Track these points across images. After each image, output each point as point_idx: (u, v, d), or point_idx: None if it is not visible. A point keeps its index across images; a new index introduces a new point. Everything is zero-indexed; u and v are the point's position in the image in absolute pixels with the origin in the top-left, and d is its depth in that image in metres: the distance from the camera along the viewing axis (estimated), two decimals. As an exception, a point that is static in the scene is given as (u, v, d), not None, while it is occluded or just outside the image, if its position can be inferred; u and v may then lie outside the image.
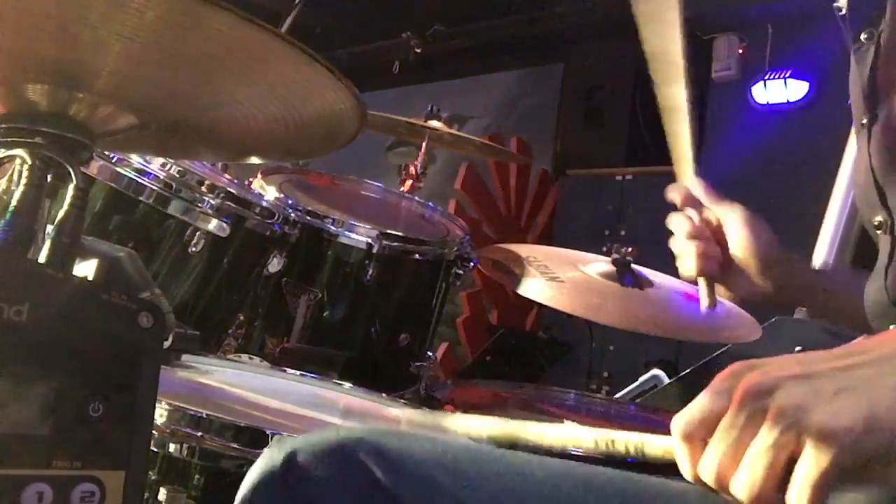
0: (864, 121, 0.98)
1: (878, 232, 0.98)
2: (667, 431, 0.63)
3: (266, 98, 0.81)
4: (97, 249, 0.85)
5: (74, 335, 0.64)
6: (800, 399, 0.56)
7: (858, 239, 2.34)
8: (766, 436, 0.56)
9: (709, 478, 0.58)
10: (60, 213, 0.76)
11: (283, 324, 1.89)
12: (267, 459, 0.77)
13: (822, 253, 2.37)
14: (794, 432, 0.55)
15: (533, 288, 1.74)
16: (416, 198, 2.25)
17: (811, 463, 0.54)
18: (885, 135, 0.95)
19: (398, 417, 0.88)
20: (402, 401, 1.40)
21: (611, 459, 0.70)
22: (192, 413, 0.95)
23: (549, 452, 0.77)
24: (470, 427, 0.78)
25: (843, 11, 1.01)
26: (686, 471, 0.60)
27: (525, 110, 5.62)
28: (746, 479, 0.56)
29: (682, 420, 0.60)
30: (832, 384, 0.56)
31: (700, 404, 0.59)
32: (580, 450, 0.72)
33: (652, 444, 0.64)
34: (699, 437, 0.59)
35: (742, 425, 0.57)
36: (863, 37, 0.98)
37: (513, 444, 0.77)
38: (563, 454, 0.79)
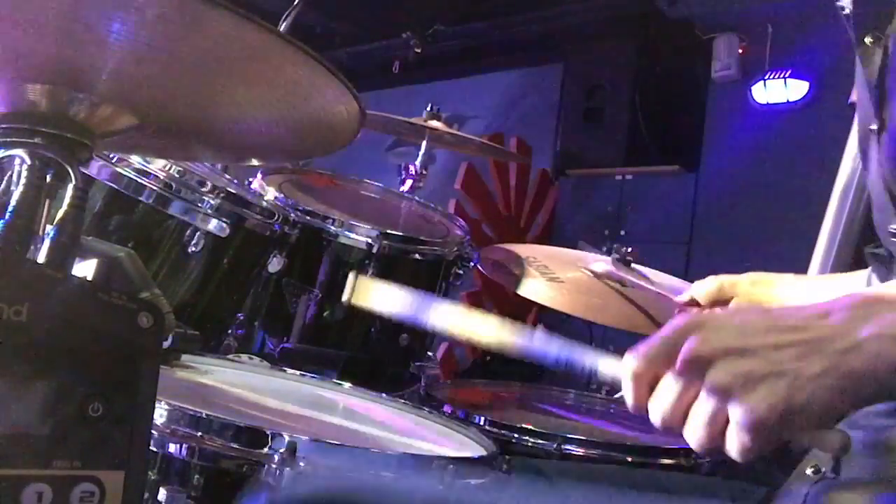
0: (874, 127, 0.97)
1: (894, 240, 0.97)
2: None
3: (266, 98, 0.81)
4: (97, 249, 0.85)
5: (74, 335, 0.64)
6: (729, 381, 0.64)
7: (857, 241, 2.34)
8: (702, 405, 0.66)
9: (656, 421, 0.69)
10: (60, 213, 0.76)
11: (283, 324, 1.89)
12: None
13: (822, 253, 2.37)
14: (722, 411, 0.65)
15: (533, 288, 1.74)
16: (416, 198, 2.25)
17: (733, 439, 0.65)
18: (895, 142, 0.94)
19: None
20: (402, 401, 1.40)
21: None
22: (192, 413, 0.95)
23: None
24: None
25: (847, 11, 1.00)
26: (629, 401, 0.71)
27: (525, 110, 5.62)
28: (690, 434, 0.67)
29: (634, 360, 0.70)
30: (761, 367, 0.64)
31: (651, 351, 0.70)
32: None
33: (604, 366, 0.75)
34: (645, 377, 0.70)
35: (680, 388, 0.67)
36: (867, 39, 0.97)
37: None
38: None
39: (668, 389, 0.68)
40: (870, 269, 1.23)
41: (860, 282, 1.26)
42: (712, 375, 0.65)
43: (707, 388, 0.66)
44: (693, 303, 1.50)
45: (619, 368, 0.72)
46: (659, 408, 0.69)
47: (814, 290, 1.40)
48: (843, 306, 0.67)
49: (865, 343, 0.64)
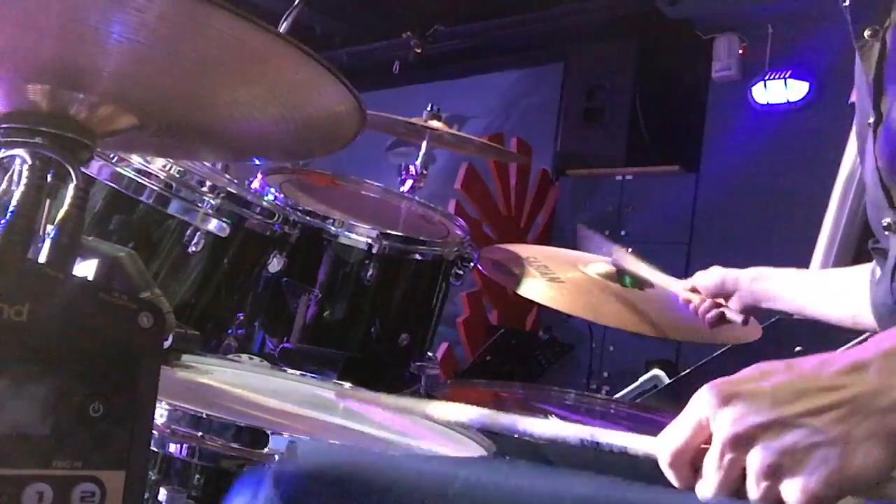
0: (870, 120, 0.97)
1: (887, 233, 0.97)
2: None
3: (266, 98, 0.81)
4: (97, 249, 0.85)
5: (74, 335, 0.64)
6: (775, 461, 0.61)
7: (859, 238, 2.34)
8: (754, 487, 0.63)
9: (709, 499, 0.66)
10: (60, 213, 0.76)
11: (283, 324, 1.89)
12: (250, 483, 0.75)
13: (822, 253, 2.37)
14: (774, 489, 0.62)
15: (533, 288, 1.74)
16: (416, 198, 2.25)
17: None
18: (890, 135, 0.94)
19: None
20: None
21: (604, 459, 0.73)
22: (192, 413, 0.95)
23: (536, 449, 0.79)
24: (453, 415, 0.79)
25: (846, 3, 0.99)
26: (675, 484, 0.67)
27: (525, 110, 5.62)
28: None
29: (667, 450, 0.67)
30: (805, 439, 0.61)
31: (680, 434, 0.66)
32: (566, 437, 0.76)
33: (635, 446, 0.70)
34: (684, 463, 0.66)
35: (726, 469, 0.64)
36: (867, 33, 0.96)
37: (499, 434, 0.80)
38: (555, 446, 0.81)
39: (714, 472, 0.64)
40: (874, 262, 1.23)
41: (862, 275, 1.26)
42: (756, 456, 0.62)
43: (754, 470, 0.62)
44: (693, 291, 1.51)
45: (654, 450, 0.69)
46: (708, 490, 0.65)
47: (814, 283, 1.40)
48: (878, 356, 0.63)
49: None
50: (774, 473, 0.61)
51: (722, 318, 1.46)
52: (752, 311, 1.45)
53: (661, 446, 0.68)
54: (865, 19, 0.96)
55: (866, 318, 1.22)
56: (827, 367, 0.64)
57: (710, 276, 1.48)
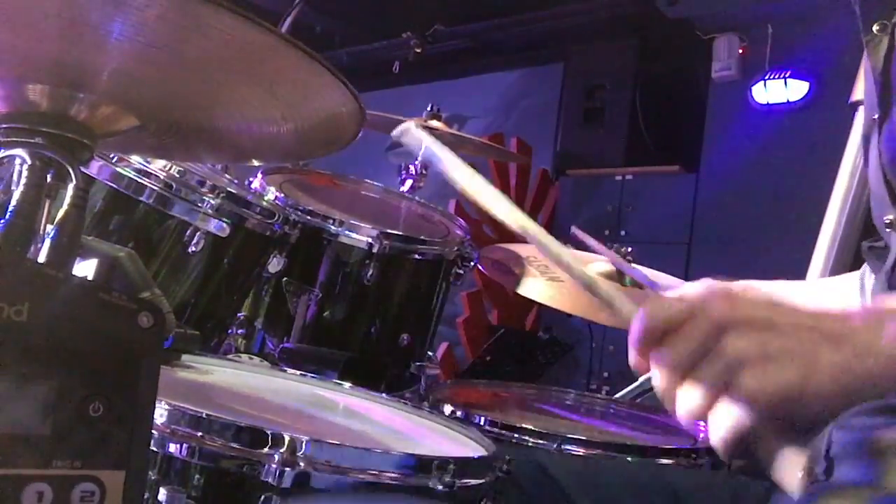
0: (876, 116, 0.96)
1: (889, 230, 0.97)
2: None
3: (266, 98, 0.81)
4: (97, 249, 0.85)
5: (74, 335, 0.64)
6: (742, 349, 0.63)
7: (859, 239, 2.34)
8: (704, 371, 0.64)
9: (654, 378, 0.67)
10: (60, 213, 0.76)
11: (283, 324, 1.89)
12: None
13: (822, 253, 2.37)
14: (723, 379, 0.63)
15: (533, 288, 1.74)
16: (416, 198, 2.25)
17: (727, 411, 0.63)
18: None
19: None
20: (402, 401, 1.40)
21: None
22: (192, 413, 0.95)
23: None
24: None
25: None
26: (633, 356, 0.68)
27: (525, 110, 5.62)
28: (683, 400, 0.65)
29: (647, 312, 0.67)
30: (780, 341, 0.63)
31: (670, 309, 0.67)
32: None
33: (620, 302, 0.72)
34: (655, 332, 0.67)
35: (696, 340, 0.65)
36: (875, 28, 0.95)
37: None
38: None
39: (681, 340, 0.65)
40: (863, 268, 1.23)
41: (852, 283, 1.26)
42: (732, 339, 0.64)
43: (722, 350, 0.64)
44: None
45: (633, 310, 0.70)
46: (666, 357, 0.66)
47: (804, 294, 1.40)
48: (864, 312, 0.68)
49: (881, 345, 0.64)
50: (738, 358, 0.63)
51: None
52: None
53: (643, 310, 0.68)
54: (874, 13, 0.96)
55: None
56: (821, 309, 0.68)
57: (697, 289, 1.48)
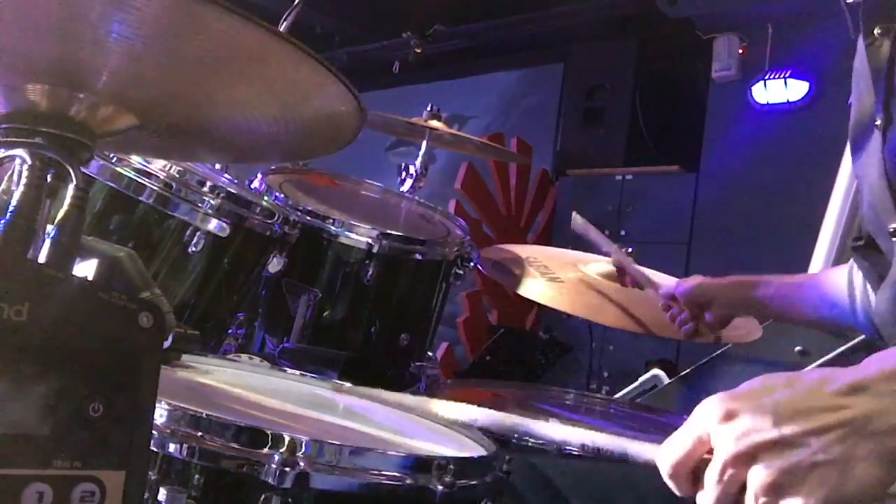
0: (877, 122, 0.94)
1: (894, 240, 0.95)
2: (667, 431, 0.67)
3: (266, 98, 0.81)
4: (97, 249, 0.85)
5: (74, 335, 0.64)
6: (775, 479, 0.62)
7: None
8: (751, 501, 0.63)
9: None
10: (60, 213, 0.76)
11: (283, 324, 1.89)
12: None
13: (822, 252, 2.37)
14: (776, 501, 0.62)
15: (533, 288, 1.74)
16: (416, 198, 2.25)
17: None
18: None
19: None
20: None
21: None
22: (192, 413, 0.95)
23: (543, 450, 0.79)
24: (459, 414, 0.80)
25: (852, 0, 0.97)
26: (679, 494, 0.69)
27: (525, 110, 5.63)
28: None
29: (669, 461, 0.68)
30: (806, 458, 0.62)
31: (681, 447, 0.68)
32: (573, 449, 0.76)
33: (636, 453, 0.73)
34: (685, 474, 0.68)
35: (726, 483, 0.65)
36: (876, 31, 0.94)
37: (505, 437, 0.81)
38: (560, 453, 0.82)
39: (714, 486, 0.65)
40: (850, 262, 1.22)
41: (840, 277, 1.25)
42: (757, 474, 0.63)
43: (754, 487, 0.63)
44: (672, 299, 1.52)
45: (656, 458, 0.71)
46: (708, 502, 0.66)
47: (792, 288, 1.40)
48: (880, 378, 0.64)
49: None
50: (775, 491, 0.62)
51: (696, 332, 1.51)
52: (728, 321, 1.47)
53: (663, 456, 0.69)
54: (875, 17, 0.94)
55: (846, 320, 1.22)
56: (828, 384, 0.65)
57: (689, 285, 1.49)
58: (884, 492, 0.62)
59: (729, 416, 0.65)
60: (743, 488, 0.64)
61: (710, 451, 0.67)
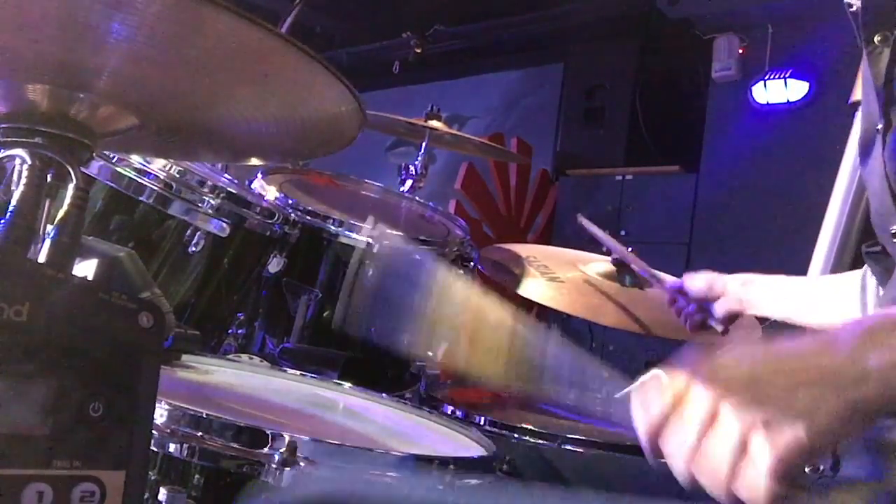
0: (879, 127, 0.95)
1: (895, 240, 0.96)
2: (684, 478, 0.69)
3: (266, 98, 0.81)
4: (97, 249, 0.85)
5: (74, 335, 0.64)
6: (742, 427, 0.65)
7: (859, 239, 2.34)
8: (714, 451, 0.66)
9: (672, 461, 0.69)
10: (60, 213, 0.76)
11: (283, 324, 1.89)
12: None
13: (822, 253, 2.37)
14: (733, 456, 0.65)
15: (533, 288, 1.74)
16: (416, 198, 2.25)
17: (753, 485, 0.64)
18: None
19: None
20: (402, 401, 1.40)
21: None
22: (192, 413, 0.95)
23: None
24: None
25: (855, 8, 0.98)
26: (649, 453, 0.71)
27: (525, 110, 5.63)
28: (703, 477, 0.67)
29: (647, 420, 0.70)
30: (778, 414, 0.64)
31: (660, 409, 0.70)
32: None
33: (619, 395, 0.78)
34: (660, 431, 0.69)
35: (696, 438, 0.67)
36: (876, 39, 0.95)
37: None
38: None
39: (684, 440, 0.68)
40: (865, 267, 1.23)
41: (853, 281, 1.25)
42: (728, 419, 0.66)
43: (726, 439, 0.66)
44: (681, 293, 1.52)
45: (633, 409, 0.73)
46: (673, 447, 0.69)
47: (803, 290, 1.40)
48: (850, 334, 0.67)
49: (875, 372, 0.64)
50: (745, 442, 0.65)
51: (704, 324, 1.49)
52: (736, 317, 1.47)
53: (638, 416, 0.71)
54: (875, 25, 0.95)
55: None
56: (803, 345, 0.69)
57: (698, 280, 1.49)
58: (847, 438, 0.66)
59: (707, 378, 0.68)
60: (717, 447, 0.66)
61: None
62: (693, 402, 0.68)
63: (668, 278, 1.64)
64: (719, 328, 1.47)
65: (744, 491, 0.65)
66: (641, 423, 0.71)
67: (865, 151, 1.02)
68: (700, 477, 0.67)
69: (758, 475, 0.64)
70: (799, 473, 0.65)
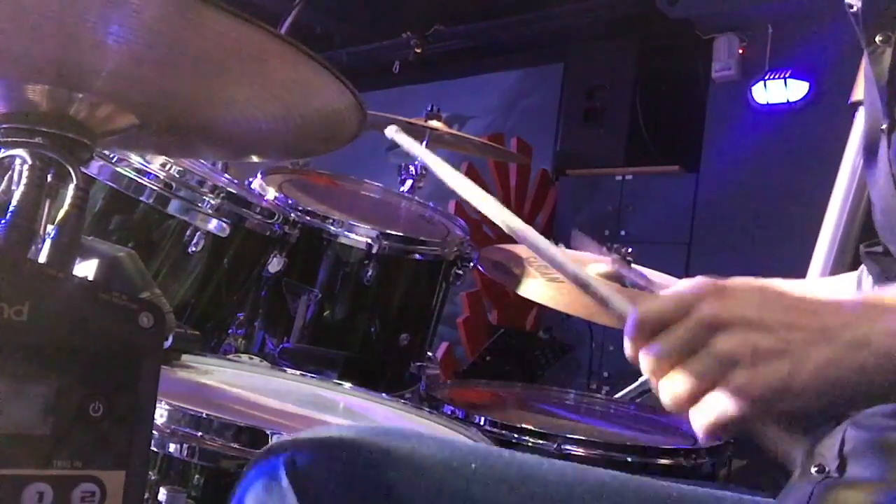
0: (884, 126, 0.95)
1: None
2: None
3: (266, 98, 0.81)
4: (97, 249, 0.85)
5: (74, 335, 0.64)
6: (735, 349, 0.64)
7: (859, 239, 2.34)
8: (693, 365, 0.65)
9: (644, 368, 0.68)
10: (60, 213, 0.76)
11: (283, 324, 1.89)
12: (264, 467, 0.77)
13: (822, 253, 2.37)
14: (716, 375, 0.64)
15: (533, 288, 1.74)
16: (416, 198, 2.25)
17: (713, 405, 0.64)
18: None
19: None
20: (402, 401, 1.40)
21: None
22: (192, 413, 0.95)
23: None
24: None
25: (856, 9, 0.98)
26: (628, 349, 0.70)
27: (525, 110, 5.62)
28: (669, 388, 0.67)
29: (641, 310, 0.69)
30: (770, 342, 0.64)
31: (660, 302, 0.69)
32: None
33: (614, 300, 0.74)
34: (648, 329, 0.69)
35: (685, 337, 0.66)
36: (878, 38, 0.96)
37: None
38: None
39: (670, 336, 0.67)
40: (861, 268, 1.23)
41: (849, 284, 1.25)
42: (722, 339, 0.65)
43: (712, 349, 0.65)
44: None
45: (627, 308, 0.71)
46: (654, 351, 0.68)
47: (801, 293, 1.40)
48: (859, 304, 0.68)
49: (876, 338, 0.64)
50: (728, 358, 0.64)
51: None
52: None
53: (637, 308, 0.70)
54: (877, 24, 0.95)
55: None
56: (814, 300, 0.69)
57: (692, 285, 1.50)
58: (823, 413, 0.66)
59: (718, 292, 0.68)
60: (692, 353, 0.66)
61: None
62: (688, 315, 0.67)
63: (669, 280, 1.64)
64: None
65: (699, 407, 0.65)
66: (630, 321, 0.70)
67: (870, 152, 1.02)
68: (660, 386, 0.67)
69: (721, 398, 0.64)
70: (765, 413, 0.64)
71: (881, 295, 0.71)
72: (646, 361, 0.68)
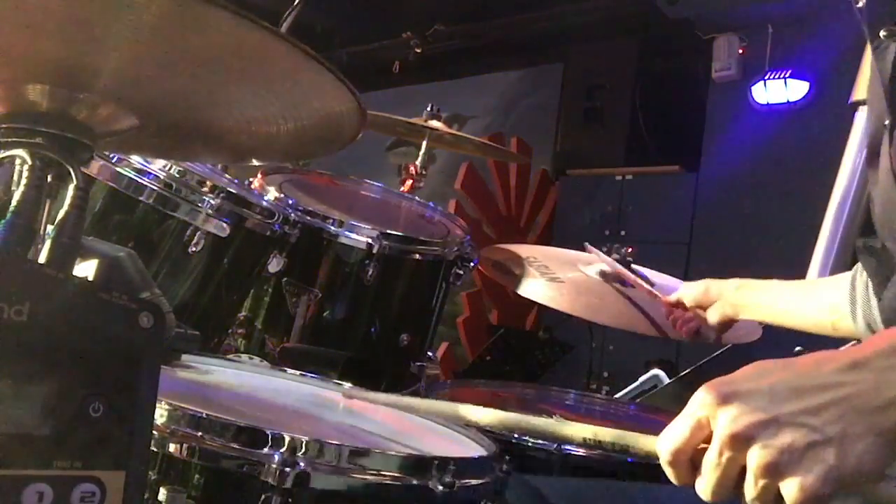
0: (886, 122, 0.95)
1: None
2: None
3: (266, 98, 0.81)
4: (97, 249, 0.85)
5: (74, 335, 0.64)
6: (773, 458, 0.62)
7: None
8: (752, 485, 0.64)
9: (706, 498, 0.67)
10: (60, 213, 0.76)
11: (283, 324, 1.89)
12: None
13: (822, 253, 2.37)
14: (771, 489, 0.63)
15: (533, 288, 1.74)
16: (416, 198, 2.25)
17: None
18: None
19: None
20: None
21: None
22: (192, 413, 0.95)
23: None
24: (479, 416, 0.81)
25: (861, 4, 0.98)
26: (674, 482, 0.69)
27: (525, 110, 5.63)
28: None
29: (667, 449, 0.68)
30: (802, 437, 0.62)
31: (680, 433, 0.67)
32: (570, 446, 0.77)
33: (636, 445, 0.72)
34: (684, 462, 0.67)
35: (724, 467, 0.65)
36: (882, 34, 0.94)
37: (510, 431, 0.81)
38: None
39: (713, 470, 0.66)
40: (855, 268, 1.23)
41: (843, 283, 1.26)
42: (755, 455, 0.63)
43: (753, 468, 0.63)
44: (679, 304, 1.53)
45: (655, 449, 0.70)
46: (707, 488, 0.66)
47: (795, 293, 1.41)
48: (875, 354, 0.65)
49: None
50: (773, 472, 0.62)
51: (698, 332, 1.53)
52: (730, 322, 1.48)
53: (662, 445, 0.69)
54: (881, 19, 0.95)
55: (845, 325, 1.23)
56: (824, 365, 0.65)
57: (694, 288, 1.51)
58: (882, 469, 0.63)
59: (726, 399, 0.65)
60: (742, 472, 0.64)
61: (709, 439, 0.67)
62: (718, 437, 0.65)
63: (666, 282, 1.65)
64: (710, 335, 1.49)
65: None
66: (667, 469, 0.69)
67: (873, 147, 1.01)
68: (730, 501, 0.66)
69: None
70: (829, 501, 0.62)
71: (887, 337, 0.68)
72: (704, 496, 0.68)
